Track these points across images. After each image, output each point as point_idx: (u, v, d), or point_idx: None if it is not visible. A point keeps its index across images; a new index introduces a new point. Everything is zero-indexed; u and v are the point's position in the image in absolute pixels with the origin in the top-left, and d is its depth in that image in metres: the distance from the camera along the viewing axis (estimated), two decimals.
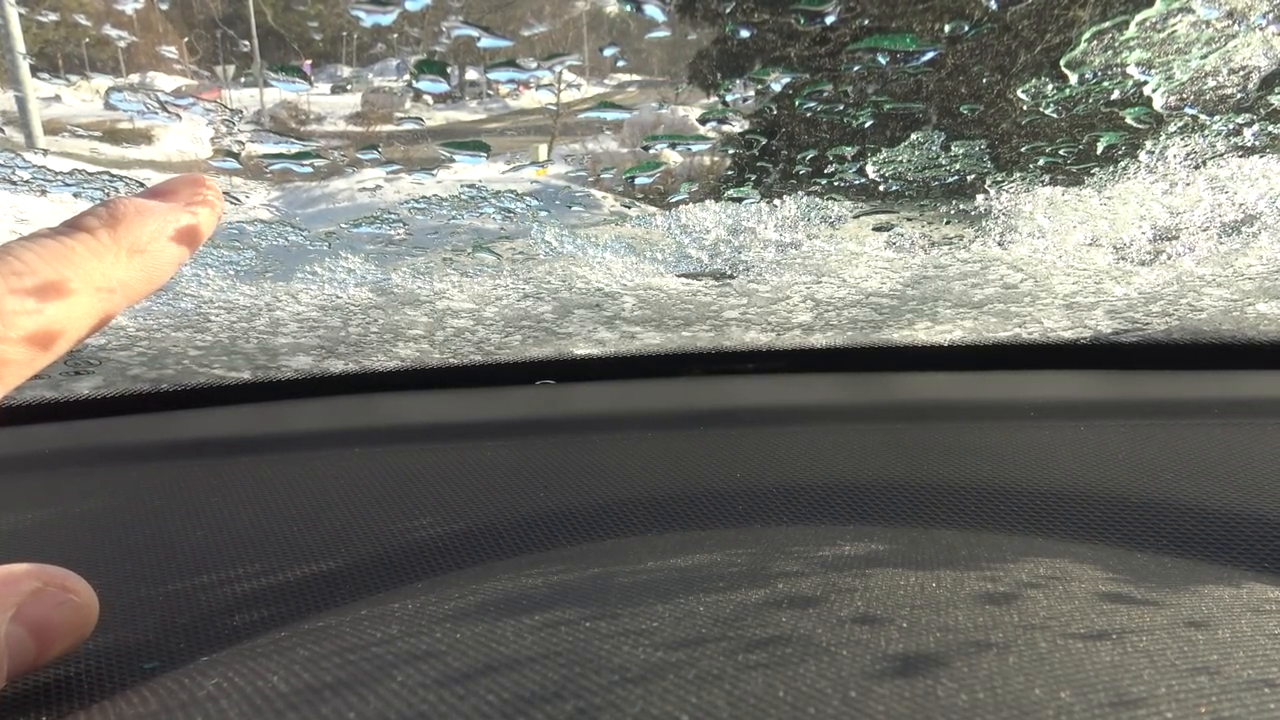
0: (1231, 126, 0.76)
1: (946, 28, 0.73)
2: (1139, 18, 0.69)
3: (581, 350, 0.98)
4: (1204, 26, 0.69)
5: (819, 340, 0.96)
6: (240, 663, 0.47)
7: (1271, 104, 0.73)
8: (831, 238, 0.87)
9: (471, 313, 0.91)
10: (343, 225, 0.87)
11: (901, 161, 0.78)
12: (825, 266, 0.89)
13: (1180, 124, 0.77)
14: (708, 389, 0.92)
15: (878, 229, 0.87)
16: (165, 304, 0.91)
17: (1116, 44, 0.69)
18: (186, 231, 0.40)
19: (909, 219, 0.86)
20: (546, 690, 0.37)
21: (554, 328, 0.92)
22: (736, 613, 0.46)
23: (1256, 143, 0.77)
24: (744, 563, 0.56)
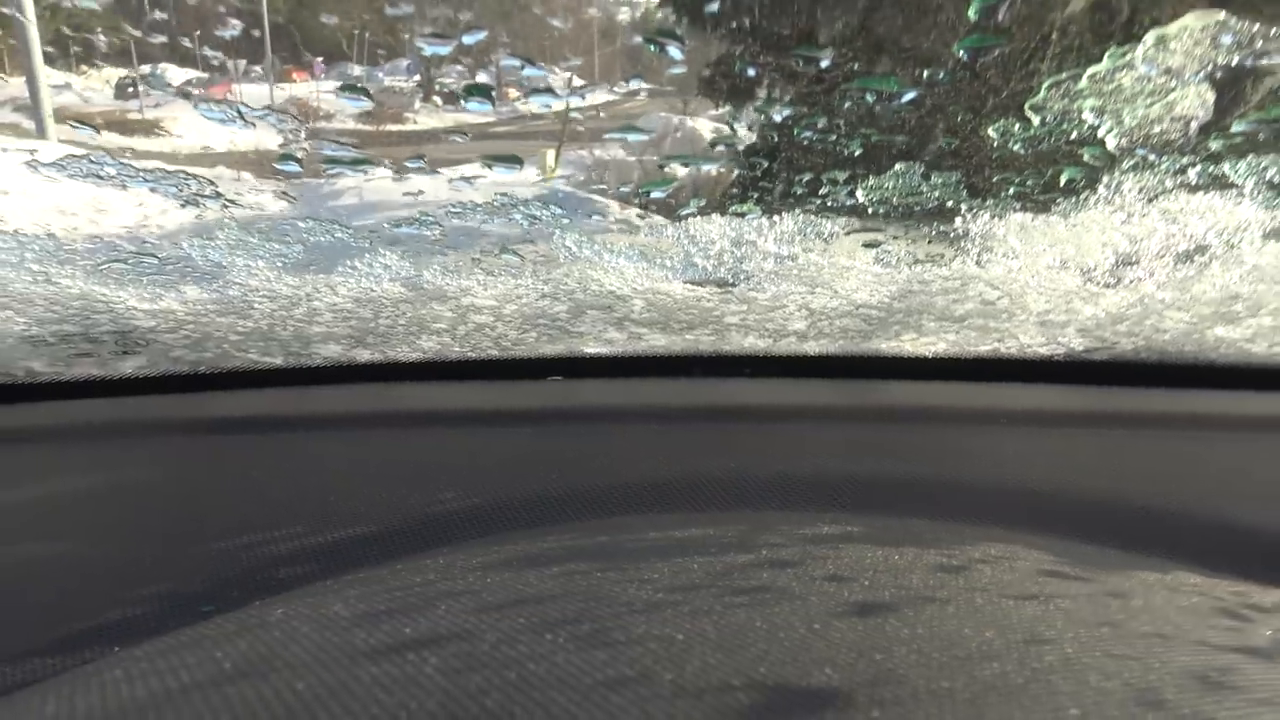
0: (1178, 166, 0.84)
1: (925, 73, 0.81)
2: (1090, 71, 0.78)
3: (592, 349, 1.05)
4: (1146, 81, 0.78)
5: (812, 347, 1.04)
6: (299, 600, 0.55)
7: (1210, 148, 0.81)
8: (825, 252, 0.95)
9: (493, 309, 0.98)
10: (385, 225, 0.94)
11: (888, 187, 0.86)
12: (819, 278, 0.97)
13: (1132, 162, 0.85)
14: (707, 389, 0.99)
15: (867, 245, 0.95)
16: (215, 290, 0.99)
17: (1072, 93, 0.77)
18: None
19: (895, 237, 0.94)
20: (567, 616, 0.45)
21: (568, 326, 1.00)
22: (725, 569, 0.53)
23: (1200, 181, 0.86)
24: (734, 535, 0.64)
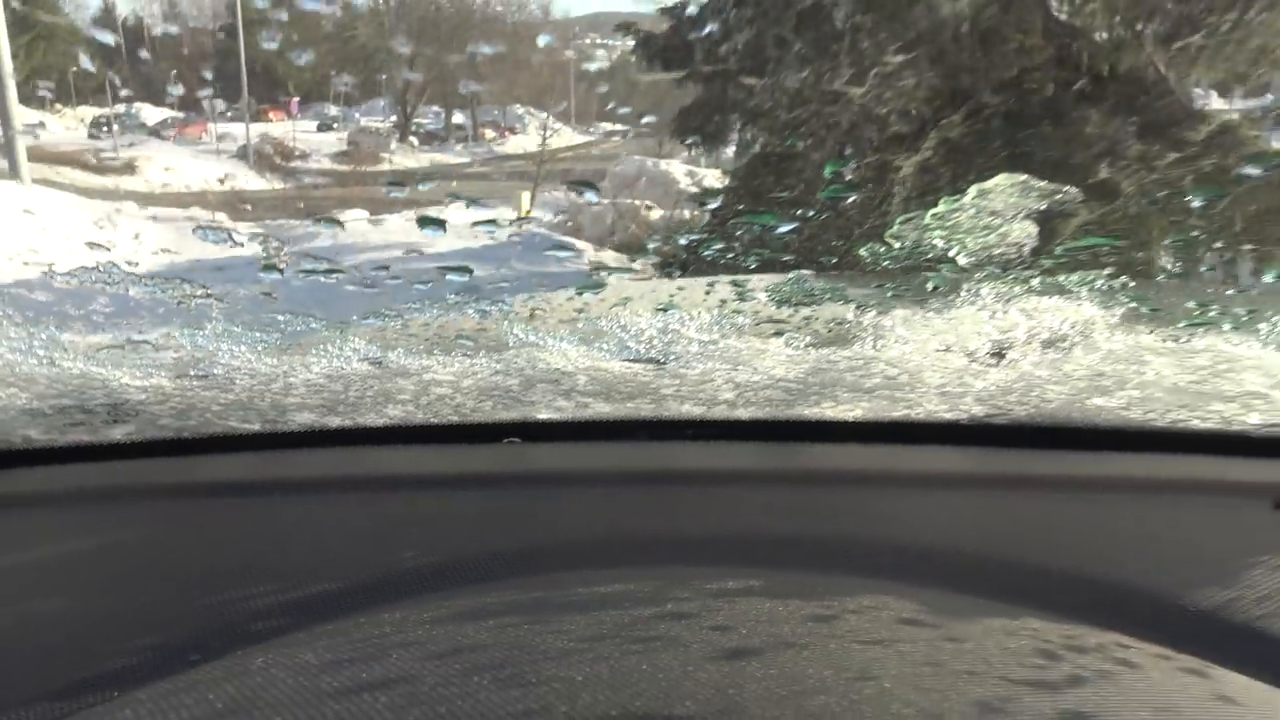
0: (1022, 277, 0.98)
1: (799, 211, 0.94)
2: (931, 212, 0.91)
3: (543, 415, 1.17)
4: (978, 218, 0.92)
5: (743, 413, 1.16)
6: (276, 649, 0.65)
7: (1044, 265, 0.95)
8: (740, 337, 1.08)
9: (451, 383, 1.10)
10: (354, 318, 1.06)
11: (785, 292, 0.99)
12: (739, 358, 1.09)
13: (984, 274, 0.99)
14: (648, 453, 1.11)
15: (775, 334, 1.08)
16: (202, 370, 1.10)
17: (921, 226, 0.91)
18: None
19: (798, 328, 1.07)
20: (494, 662, 0.56)
21: (520, 396, 1.11)
22: (632, 621, 0.65)
23: (1044, 288, 0.99)
24: (649, 591, 0.75)
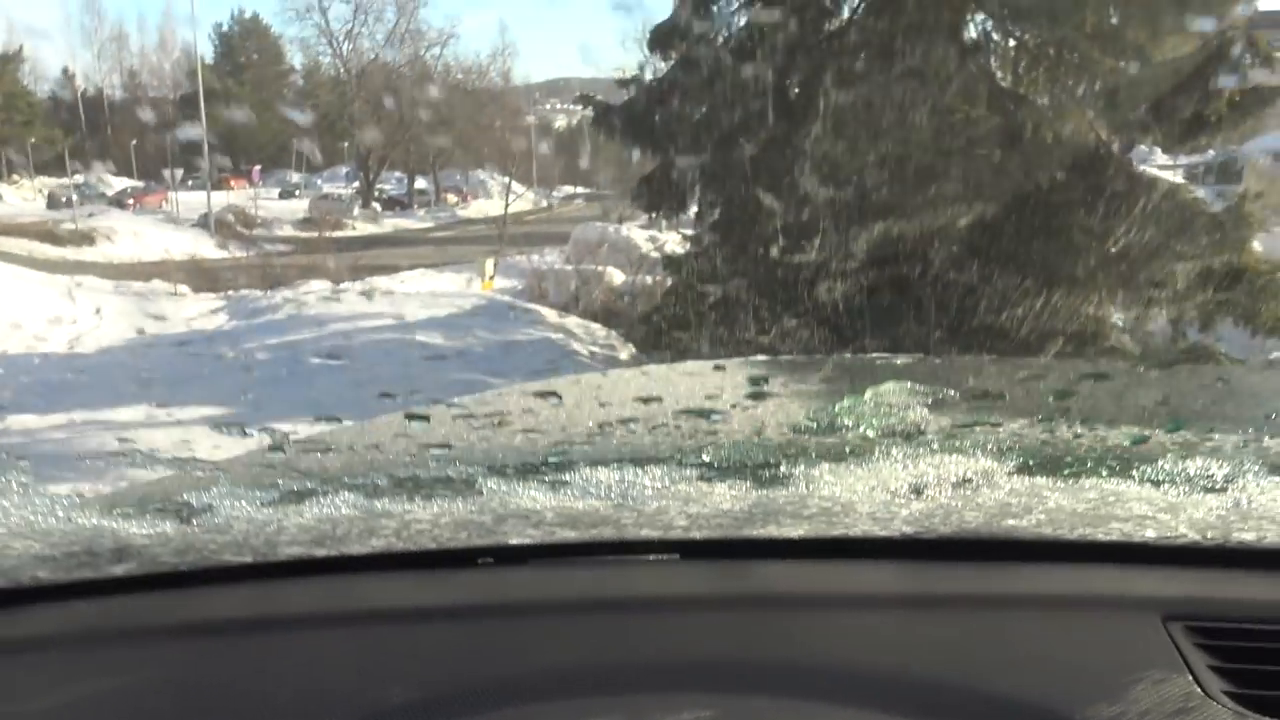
0: (923, 442, 1.13)
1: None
2: (839, 405, 1.06)
3: (514, 540, 1.28)
4: (880, 408, 1.07)
5: (696, 534, 1.28)
6: None
7: (940, 436, 1.10)
8: (691, 484, 1.22)
9: (431, 520, 1.21)
10: (345, 480, 1.18)
11: (725, 452, 1.13)
12: (690, 496, 1.22)
13: (891, 441, 1.14)
14: (609, 577, 1.23)
15: (720, 480, 1.21)
16: (206, 519, 1.21)
17: (832, 414, 1.05)
18: None
19: (737, 480, 1.21)
20: None
21: (493, 529, 1.23)
22: None
23: (944, 449, 1.15)
24: None
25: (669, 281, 12.72)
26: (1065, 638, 1.07)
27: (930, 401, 1.24)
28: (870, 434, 1.20)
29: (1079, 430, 1.33)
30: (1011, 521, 1.20)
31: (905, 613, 1.14)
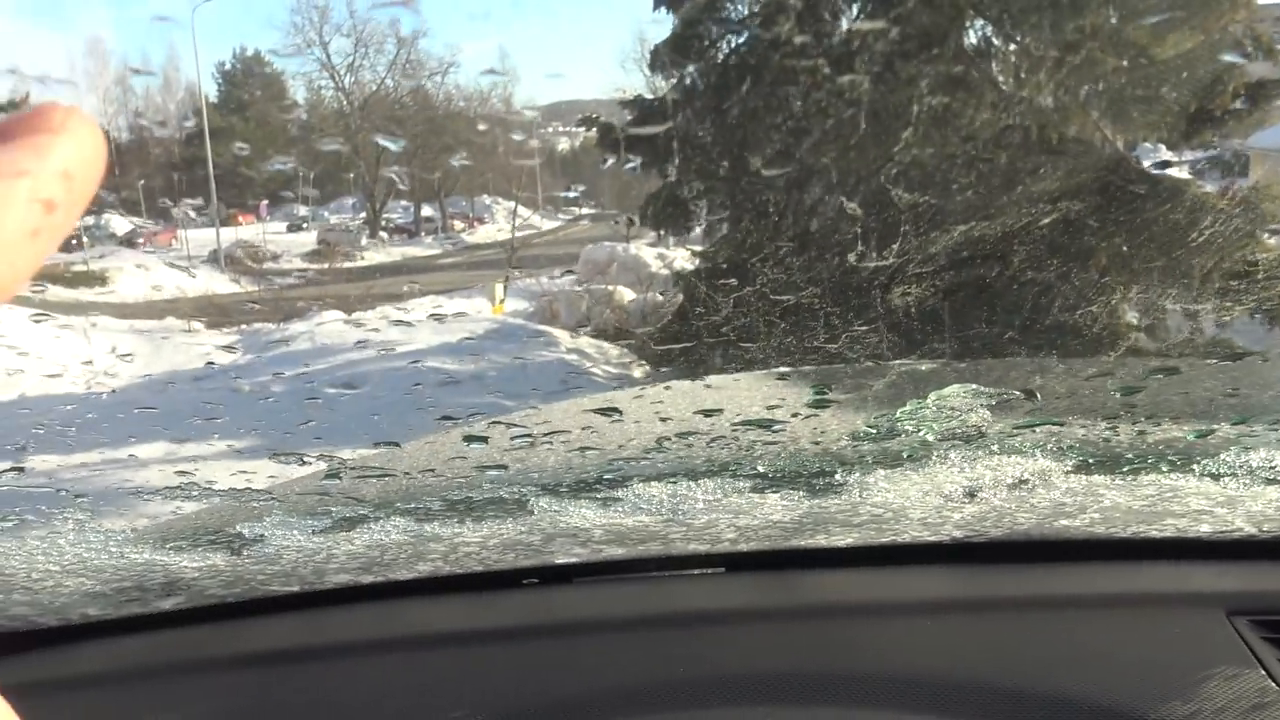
0: (982, 445, 1.12)
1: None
2: (900, 410, 1.05)
3: (560, 559, 1.27)
4: (942, 411, 1.06)
5: (744, 546, 1.27)
6: None
7: (1000, 438, 1.09)
8: (742, 495, 1.21)
9: (480, 542, 1.21)
10: (398, 505, 1.17)
11: (782, 463, 1.12)
12: (740, 509, 1.21)
13: (950, 445, 1.13)
14: (656, 593, 1.22)
15: (772, 490, 1.21)
16: (256, 550, 1.21)
17: (892, 420, 1.05)
18: (42, 187, 0.23)
19: (791, 490, 1.20)
20: None
21: (540, 549, 1.22)
22: None
23: (1002, 450, 1.14)
24: None
25: (679, 298, 12.72)
26: (1127, 636, 1.06)
27: (994, 403, 1.24)
28: (930, 438, 1.20)
29: (1143, 426, 1.32)
30: (1065, 522, 1.19)
31: (960, 617, 1.13)
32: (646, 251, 16.14)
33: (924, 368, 2.44)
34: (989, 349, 8.41)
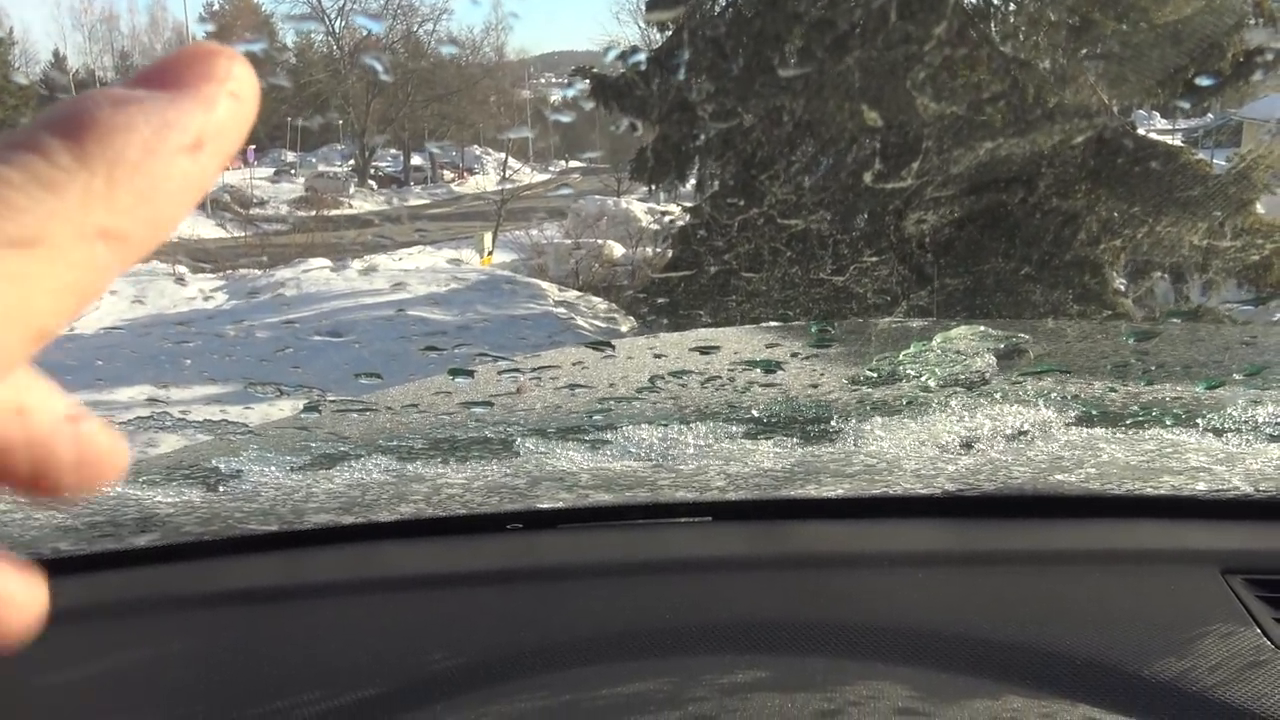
0: (985, 392, 1.09)
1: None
2: (904, 353, 1.02)
3: (545, 505, 1.25)
4: (947, 355, 1.04)
5: (733, 495, 1.25)
6: None
7: (1005, 385, 1.06)
8: (734, 441, 1.18)
9: (463, 484, 1.18)
10: (381, 441, 1.14)
11: (777, 408, 1.09)
12: (732, 455, 1.18)
13: (952, 391, 1.10)
14: (644, 540, 1.19)
15: (765, 437, 1.18)
16: (233, 487, 1.17)
17: (896, 362, 1.02)
18: (202, 134, 0.23)
19: (786, 435, 1.17)
20: None
21: (526, 492, 1.20)
22: None
23: (1007, 399, 1.11)
24: (669, 691, 0.83)
25: (669, 253, 12.65)
26: (1120, 592, 1.04)
27: (1001, 347, 1.21)
28: (932, 384, 1.17)
29: (1153, 375, 1.30)
30: (1060, 476, 1.17)
31: (952, 570, 1.11)
32: (637, 206, 16.05)
33: (922, 324, 2.42)
34: (1003, 285, 8.22)
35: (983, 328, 1.20)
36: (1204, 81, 9.44)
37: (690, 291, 10.35)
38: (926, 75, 8.44)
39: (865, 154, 8.75)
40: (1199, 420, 1.21)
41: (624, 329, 13.21)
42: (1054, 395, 1.22)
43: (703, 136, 10.95)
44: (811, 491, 1.22)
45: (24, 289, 0.20)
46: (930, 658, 0.94)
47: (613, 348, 1.47)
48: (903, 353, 1.15)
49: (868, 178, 8.49)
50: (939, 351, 1.17)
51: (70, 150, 0.20)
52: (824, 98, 8.91)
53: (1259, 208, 10.22)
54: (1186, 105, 10.51)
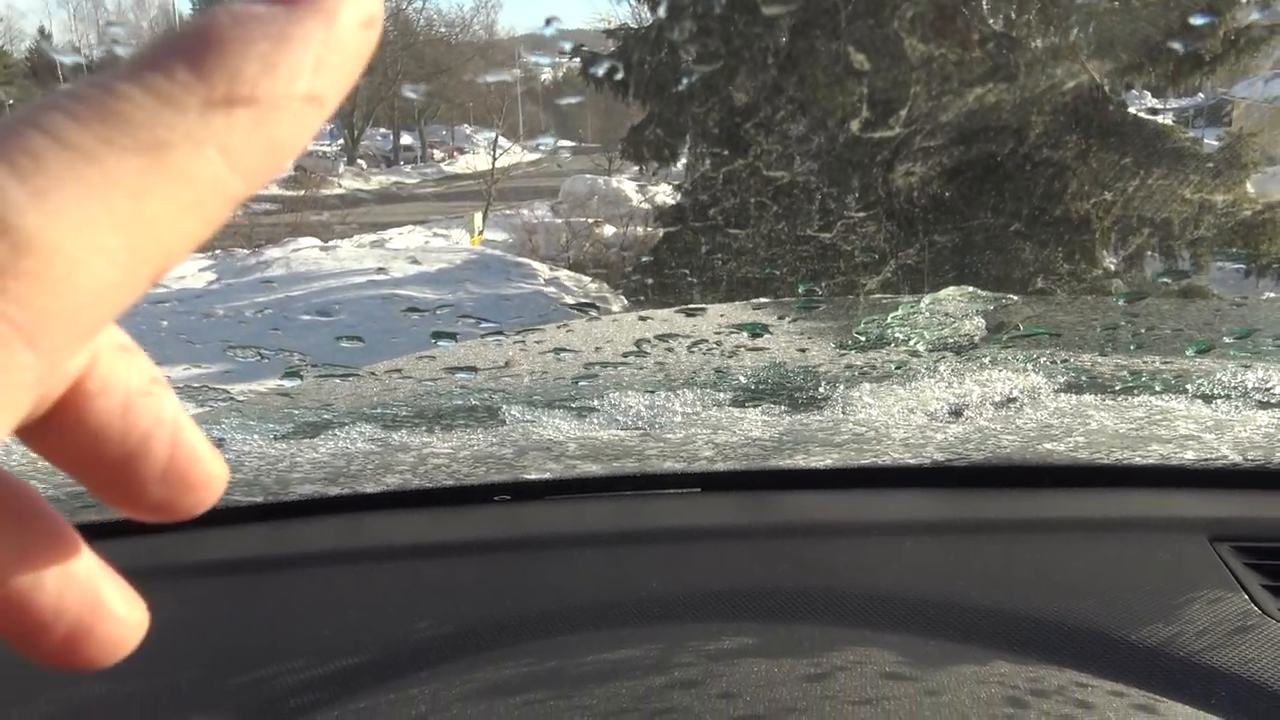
0: (974, 357, 1.08)
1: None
2: (892, 314, 1.01)
3: (533, 475, 1.24)
4: (936, 317, 1.03)
5: (721, 466, 1.24)
6: None
7: (993, 348, 1.05)
8: (721, 409, 1.17)
9: (449, 454, 1.17)
10: (365, 409, 1.13)
11: (764, 374, 1.08)
12: (720, 424, 1.18)
13: (939, 357, 1.10)
14: (631, 509, 1.19)
15: (753, 404, 1.17)
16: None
17: (883, 324, 1.01)
18: (326, 51, 0.22)
19: (775, 402, 1.16)
20: None
21: (513, 462, 1.19)
22: (645, 692, 0.73)
23: (996, 362, 1.10)
24: (655, 656, 0.83)
25: (660, 234, 12.61)
26: (1109, 561, 1.04)
27: (991, 308, 1.20)
28: (920, 347, 1.16)
29: (1141, 336, 1.29)
30: (1049, 445, 1.16)
31: (940, 539, 1.10)
32: (628, 185, 16.00)
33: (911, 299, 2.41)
34: (993, 243, 8.09)
35: (972, 290, 1.19)
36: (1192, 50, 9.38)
37: (681, 270, 10.30)
38: (914, 16, 8.30)
39: (853, 100, 8.61)
40: (1188, 386, 1.20)
41: (615, 308, 13.18)
42: (1043, 361, 1.22)
43: (692, 112, 10.86)
44: (800, 462, 1.21)
45: (147, 204, 0.19)
46: (918, 624, 0.94)
47: (599, 309, 1.46)
48: (890, 315, 1.15)
49: (855, 126, 8.35)
50: (927, 314, 1.16)
51: (189, 66, 0.20)
52: (813, 51, 8.77)
53: (1248, 186, 10.23)
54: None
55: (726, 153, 9.80)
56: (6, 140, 0.19)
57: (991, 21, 9.10)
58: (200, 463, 0.25)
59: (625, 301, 12.95)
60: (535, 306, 12.88)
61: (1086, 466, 1.19)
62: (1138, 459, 1.18)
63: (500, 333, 1.44)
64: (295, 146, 0.22)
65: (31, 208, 0.18)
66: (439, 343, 1.35)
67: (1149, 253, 10.06)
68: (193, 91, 0.20)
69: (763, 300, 3.43)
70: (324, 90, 0.22)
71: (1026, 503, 1.17)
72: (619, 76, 11.49)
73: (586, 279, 13.69)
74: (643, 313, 1.52)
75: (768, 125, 8.94)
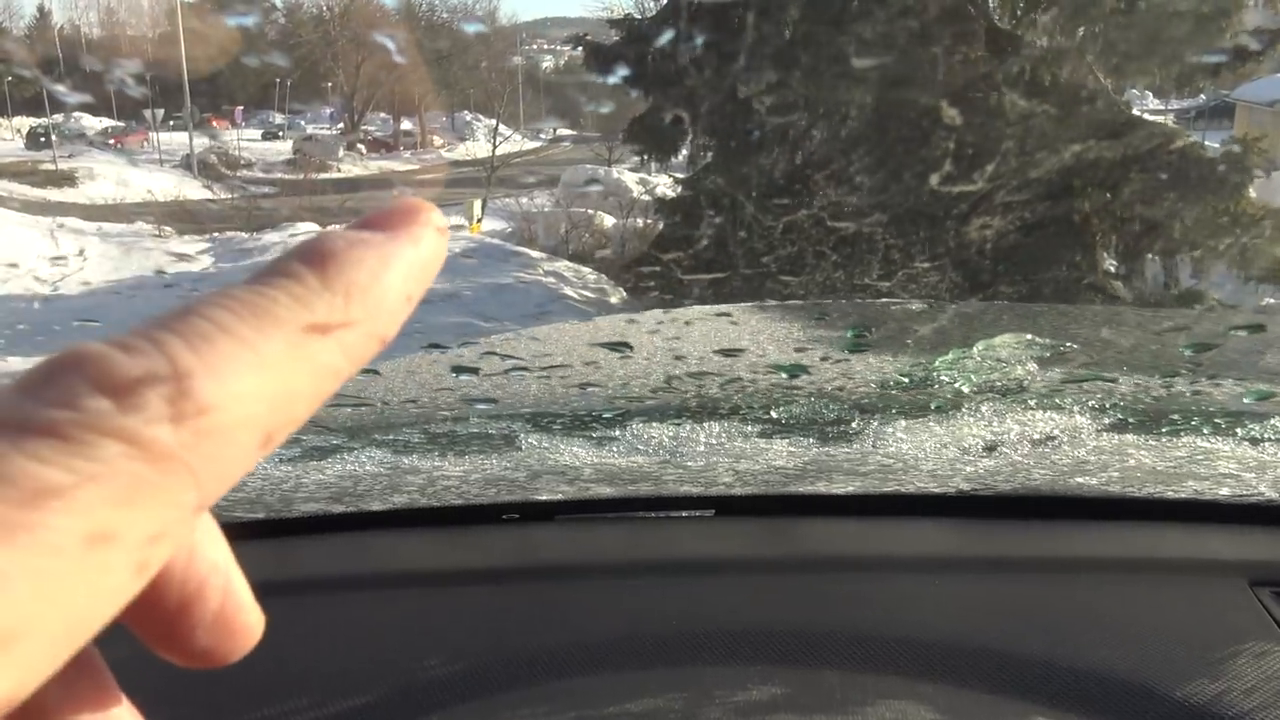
0: (1020, 399, 1.05)
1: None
2: (940, 360, 0.97)
3: (544, 496, 1.20)
4: (987, 362, 0.99)
5: (739, 490, 1.20)
6: None
7: (1042, 391, 1.02)
8: (748, 440, 1.13)
9: (460, 477, 1.13)
10: (375, 436, 1.09)
11: (797, 412, 1.04)
12: (744, 453, 1.14)
13: (985, 397, 1.06)
14: (646, 534, 1.15)
15: (780, 436, 1.13)
16: None
17: (930, 368, 0.97)
18: (415, 265, 0.29)
19: (806, 436, 1.12)
20: None
21: (525, 485, 1.15)
22: None
23: (1038, 405, 1.07)
24: (679, 709, 0.79)
25: (660, 225, 12.57)
26: (1146, 605, 1.00)
27: (1046, 355, 1.16)
28: (965, 389, 1.12)
29: (1201, 386, 1.25)
30: (1080, 479, 1.13)
31: (968, 575, 1.06)
32: (629, 176, 15.94)
33: (976, 309, 2.36)
34: (1063, 295, 7.91)
35: (1029, 336, 1.15)
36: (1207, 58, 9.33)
37: (680, 263, 10.23)
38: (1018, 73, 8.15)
39: (936, 155, 8.48)
40: (1238, 429, 1.16)
41: (613, 300, 13.14)
42: (1092, 403, 1.18)
43: (696, 105, 10.80)
44: (820, 488, 1.18)
45: (286, 380, 0.24)
46: (951, 673, 0.90)
47: (631, 349, 1.41)
48: (939, 359, 1.10)
49: (935, 179, 8.22)
50: (978, 358, 1.12)
51: (317, 275, 0.26)
52: (901, 104, 8.62)
53: (1251, 192, 10.19)
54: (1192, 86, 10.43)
55: (787, 202, 9.58)
56: (185, 327, 0.23)
57: (1099, 78, 8.94)
58: (244, 611, 0.28)
59: (624, 294, 12.90)
60: (533, 296, 12.83)
61: (1116, 500, 1.15)
62: (1170, 494, 1.14)
63: (525, 368, 1.39)
64: (390, 336, 0.28)
65: (209, 380, 0.22)
66: (460, 378, 1.31)
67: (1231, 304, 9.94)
68: (320, 295, 0.26)
69: (772, 303, 3.37)
70: (414, 291, 0.28)
71: (1056, 537, 1.13)
72: (623, 70, 11.42)
73: (586, 270, 13.64)
74: (678, 351, 1.47)
75: (839, 177, 8.79)
